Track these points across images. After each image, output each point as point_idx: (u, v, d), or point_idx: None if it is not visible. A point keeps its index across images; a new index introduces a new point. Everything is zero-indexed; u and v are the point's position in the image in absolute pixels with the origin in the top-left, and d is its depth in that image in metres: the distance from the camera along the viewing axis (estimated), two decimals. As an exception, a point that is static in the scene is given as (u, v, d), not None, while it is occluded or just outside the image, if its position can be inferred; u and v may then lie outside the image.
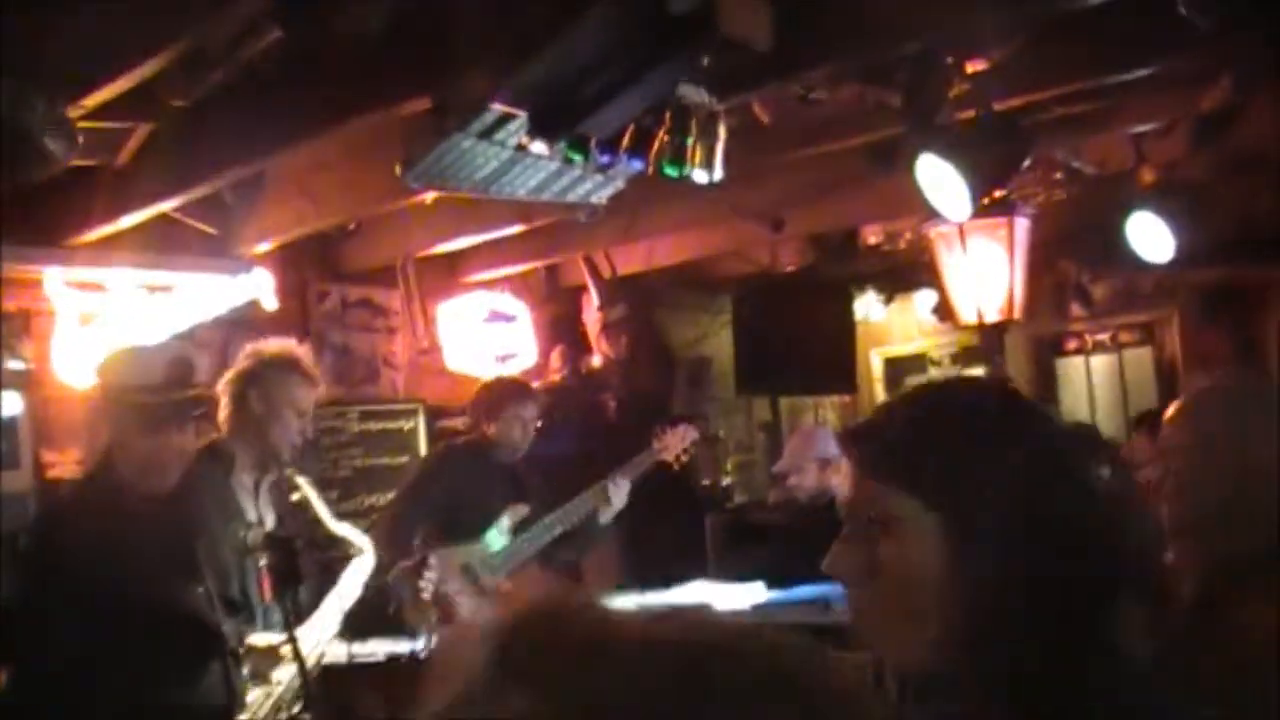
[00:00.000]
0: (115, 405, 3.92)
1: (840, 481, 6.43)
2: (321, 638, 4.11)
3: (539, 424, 6.29)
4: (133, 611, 3.65)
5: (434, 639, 4.51)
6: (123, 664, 3.61)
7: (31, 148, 4.43)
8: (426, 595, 4.69)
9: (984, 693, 1.56)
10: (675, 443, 6.47)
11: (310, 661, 3.92)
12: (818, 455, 6.45)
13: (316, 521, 4.34)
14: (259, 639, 4.02)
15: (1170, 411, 2.65)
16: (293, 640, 3.74)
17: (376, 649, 4.29)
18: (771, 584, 5.95)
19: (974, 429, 1.64)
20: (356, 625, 4.32)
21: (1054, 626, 1.53)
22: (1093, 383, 10.74)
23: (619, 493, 6.09)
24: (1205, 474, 2.49)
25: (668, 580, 6.31)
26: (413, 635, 4.44)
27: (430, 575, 4.72)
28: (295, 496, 4.37)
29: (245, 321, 6.39)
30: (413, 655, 4.46)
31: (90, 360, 6.06)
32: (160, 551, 3.84)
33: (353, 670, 4.35)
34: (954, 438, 1.63)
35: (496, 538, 5.90)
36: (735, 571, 6.59)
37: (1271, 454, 2.35)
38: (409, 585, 4.68)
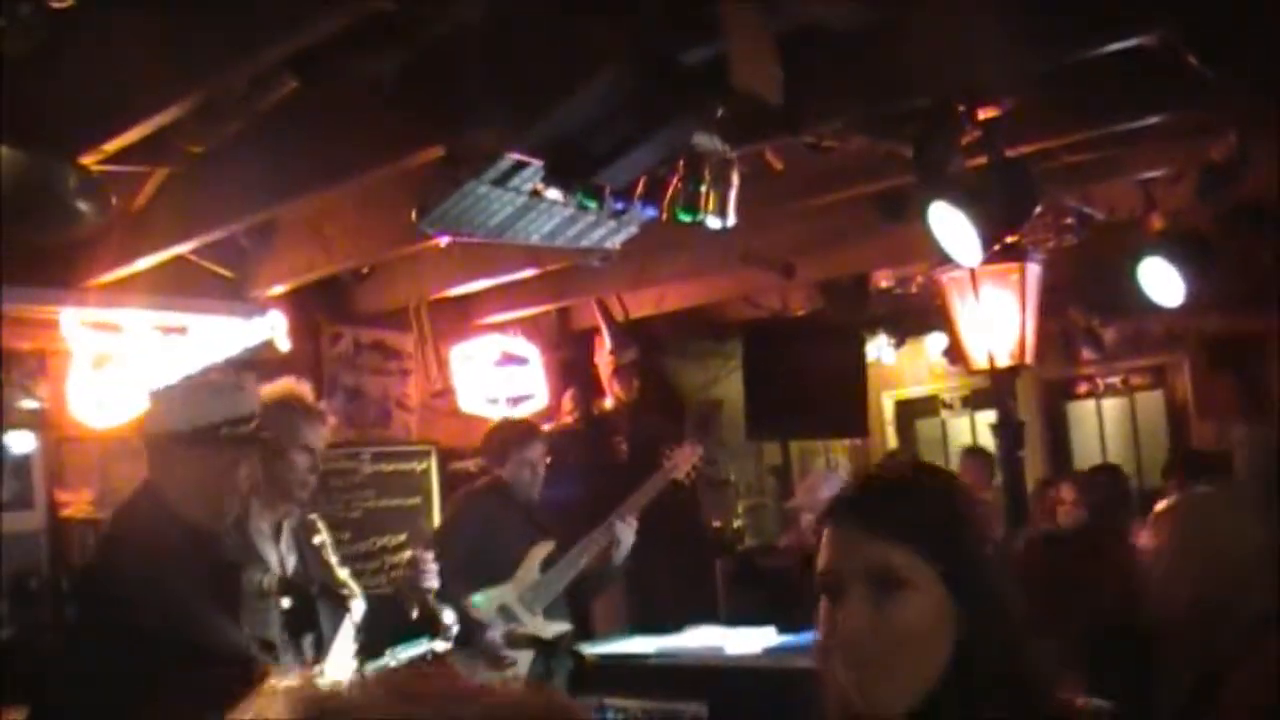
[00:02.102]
0: (173, 439, 3.88)
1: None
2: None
3: (549, 462, 6.34)
4: (191, 651, 3.64)
5: (451, 632, 4.52)
6: (176, 703, 3.60)
7: (65, 210, 4.50)
8: (432, 584, 4.71)
9: None
10: (684, 460, 6.51)
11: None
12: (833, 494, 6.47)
13: (329, 567, 4.36)
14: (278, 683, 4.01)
15: (1152, 515, 2.99)
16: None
17: (400, 656, 4.30)
18: (781, 628, 5.96)
19: (958, 492, 1.82)
20: (375, 642, 4.34)
21: (1031, 673, 1.62)
22: (1104, 426, 10.74)
23: (631, 523, 6.12)
24: (1179, 577, 2.77)
25: (677, 624, 6.33)
26: (431, 635, 4.45)
27: (425, 572, 4.74)
28: (316, 540, 4.38)
29: (259, 363, 6.41)
30: (433, 653, 4.47)
31: (118, 400, 6.13)
32: (212, 589, 3.83)
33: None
34: (946, 499, 1.79)
35: (524, 580, 5.97)
36: (745, 615, 6.60)
37: (1242, 557, 2.55)
38: (415, 587, 4.71)
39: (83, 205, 4.67)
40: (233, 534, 4.21)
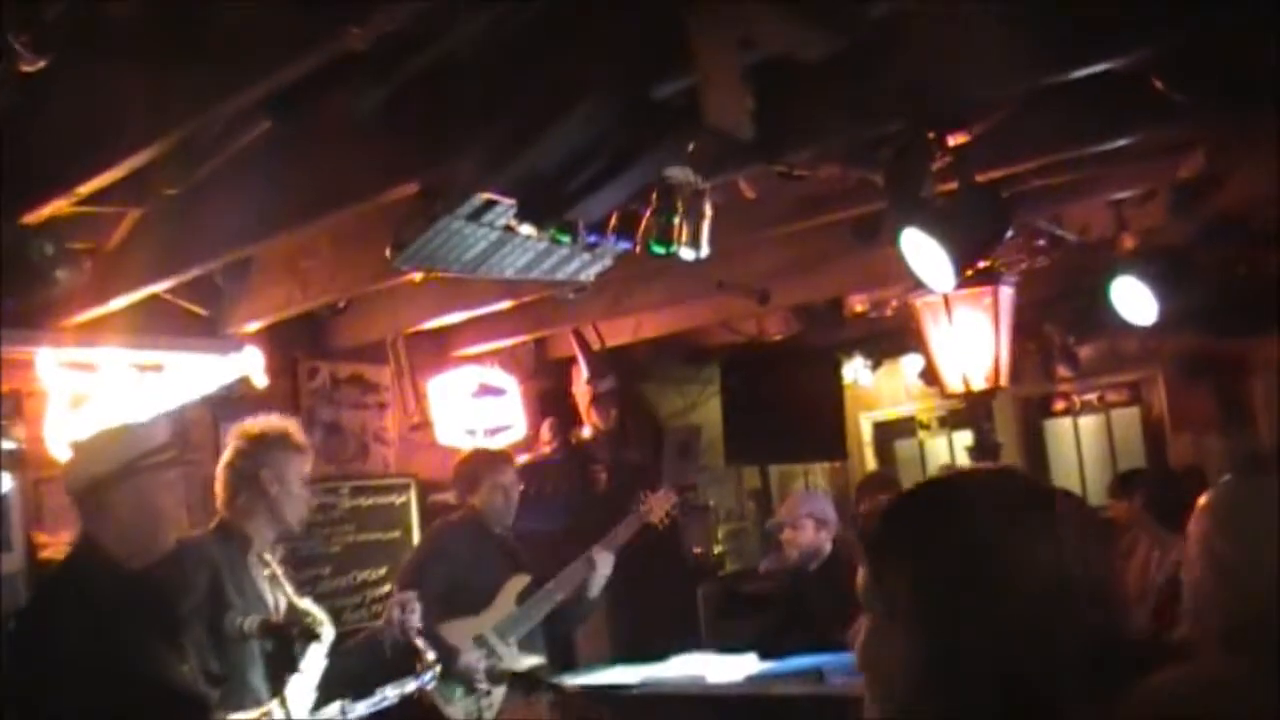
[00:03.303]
0: (98, 484, 3.93)
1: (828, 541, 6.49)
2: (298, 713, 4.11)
3: (527, 491, 6.36)
4: (125, 687, 3.66)
5: (436, 670, 4.55)
6: None
7: (39, 278, 4.56)
8: (414, 621, 4.75)
9: None
10: (659, 506, 6.54)
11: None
12: (814, 513, 6.50)
13: (288, 598, 4.39)
14: (236, 718, 4.03)
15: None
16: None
17: (389, 694, 4.32)
18: (764, 654, 5.96)
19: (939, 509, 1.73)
20: (360, 681, 4.36)
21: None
22: (1081, 443, 10.79)
23: (606, 561, 6.15)
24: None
25: (661, 652, 6.33)
26: (414, 673, 4.48)
27: (413, 613, 4.78)
28: (266, 573, 4.41)
29: (236, 399, 6.41)
30: (420, 689, 4.51)
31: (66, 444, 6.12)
32: (146, 624, 3.87)
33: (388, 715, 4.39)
34: (921, 519, 1.73)
35: (499, 612, 5.98)
36: (728, 641, 6.61)
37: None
38: (405, 629, 4.74)
39: (60, 273, 4.75)
40: (231, 571, 4.25)
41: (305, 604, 4.43)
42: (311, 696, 4.22)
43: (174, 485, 4.04)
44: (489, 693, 5.78)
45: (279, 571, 4.43)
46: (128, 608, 3.82)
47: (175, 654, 3.91)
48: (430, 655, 4.56)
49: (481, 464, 6.34)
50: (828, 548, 6.49)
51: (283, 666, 3.84)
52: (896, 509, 1.78)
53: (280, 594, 4.40)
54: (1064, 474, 10.57)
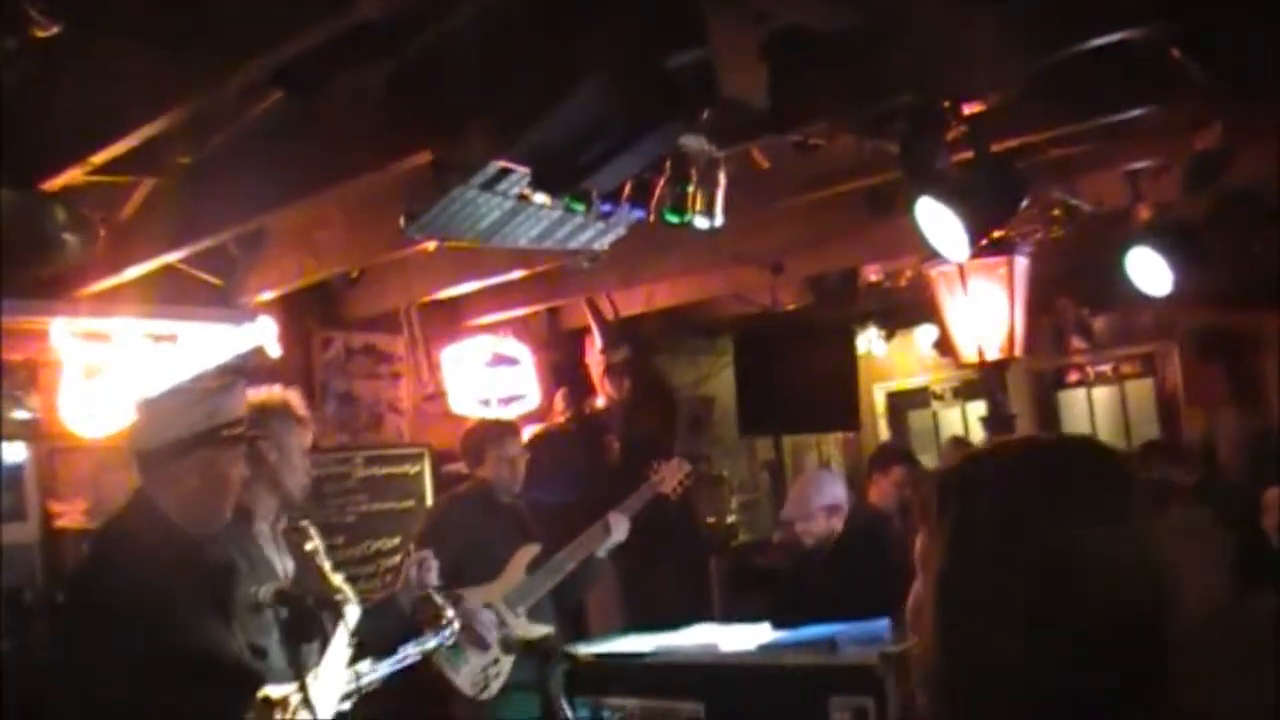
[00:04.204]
0: (166, 449, 3.87)
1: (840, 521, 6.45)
2: (331, 693, 4.11)
3: (539, 461, 6.36)
4: (182, 655, 3.65)
5: (455, 626, 4.56)
6: (167, 708, 3.60)
7: (51, 246, 4.54)
8: (432, 579, 4.76)
9: None
10: (671, 475, 6.52)
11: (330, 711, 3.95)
12: (825, 503, 6.41)
13: (323, 573, 4.38)
14: (271, 690, 4.03)
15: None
16: (304, 690, 3.76)
17: (410, 651, 4.33)
18: (777, 625, 5.96)
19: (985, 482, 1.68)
20: (378, 642, 4.38)
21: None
22: (1094, 414, 10.76)
23: (620, 526, 6.15)
24: None
25: (673, 623, 6.34)
26: (436, 631, 4.49)
27: (430, 570, 4.78)
28: (309, 546, 4.40)
29: (250, 369, 6.41)
30: (441, 645, 4.52)
31: (109, 409, 6.12)
32: (206, 594, 3.84)
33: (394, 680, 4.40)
34: (966, 488, 1.67)
35: (509, 582, 6.00)
36: (741, 612, 6.61)
37: None
38: (423, 586, 4.74)
39: (70, 239, 4.73)
40: (238, 541, 4.24)
41: (338, 580, 4.42)
42: (344, 674, 4.21)
43: (242, 459, 4.01)
44: (497, 661, 5.80)
45: (320, 545, 4.42)
46: (187, 574, 3.79)
47: (228, 626, 3.89)
48: (449, 612, 4.57)
49: (487, 436, 6.33)
50: (840, 526, 6.45)
51: (299, 635, 3.82)
52: (948, 474, 1.75)
53: (291, 562, 4.40)
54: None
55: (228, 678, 3.83)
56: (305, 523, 4.45)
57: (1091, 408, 10.85)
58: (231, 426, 3.94)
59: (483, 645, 5.77)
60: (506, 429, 6.47)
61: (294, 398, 4.60)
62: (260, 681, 3.88)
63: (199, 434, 3.85)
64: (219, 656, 3.80)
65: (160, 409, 4.04)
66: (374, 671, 4.17)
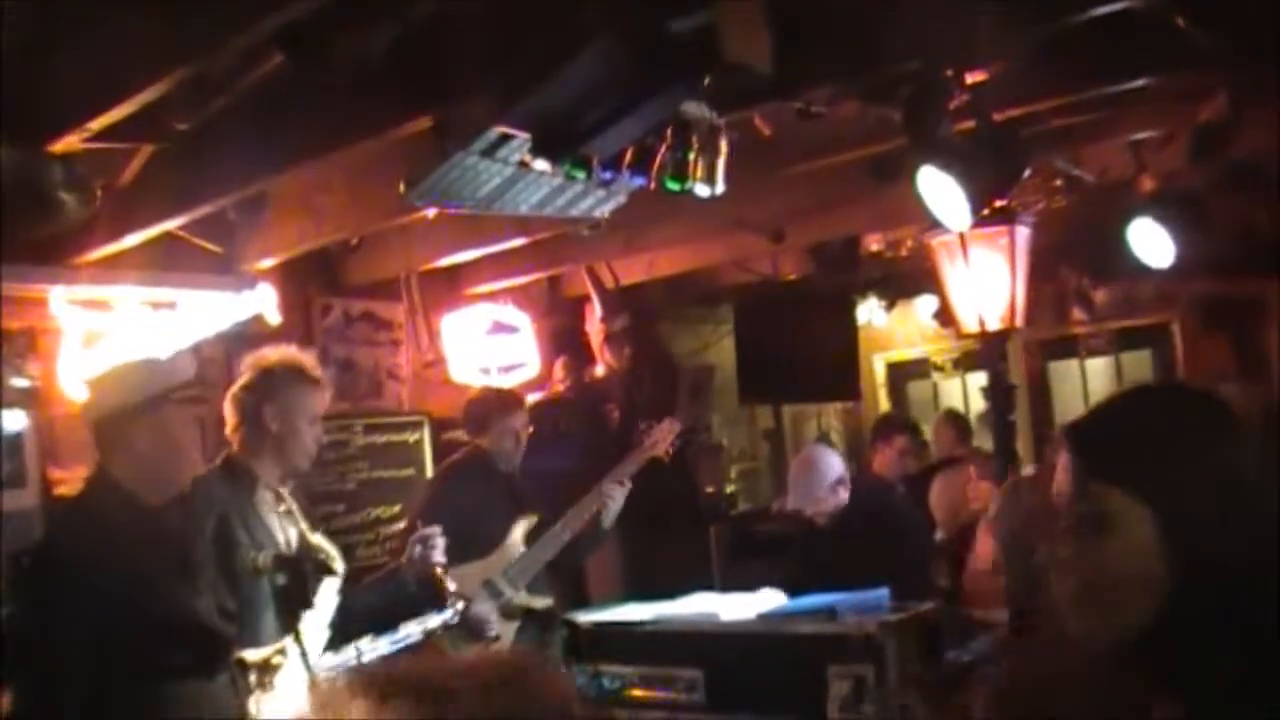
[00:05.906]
0: (119, 417, 3.91)
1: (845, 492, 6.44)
2: (312, 649, 4.10)
3: (540, 430, 6.33)
4: (142, 621, 3.67)
5: (459, 603, 4.55)
6: (132, 674, 3.62)
7: (48, 205, 4.51)
8: (438, 556, 4.73)
9: (1162, 675, 1.70)
10: (663, 437, 6.49)
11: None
12: (830, 482, 6.41)
13: (301, 533, 4.38)
14: (250, 654, 4.04)
15: None
16: (304, 656, 3.77)
17: (413, 630, 4.32)
18: (791, 593, 5.96)
19: (1188, 435, 1.77)
20: (381, 618, 4.36)
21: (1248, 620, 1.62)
22: (1088, 387, 10.76)
23: (614, 493, 6.13)
24: None
25: (673, 591, 6.33)
26: (439, 608, 4.47)
27: (435, 548, 4.75)
28: (282, 508, 4.40)
29: (249, 336, 6.40)
30: (445, 625, 4.50)
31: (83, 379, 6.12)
32: (165, 560, 3.87)
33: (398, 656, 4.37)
34: (1172, 442, 1.75)
35: (508, 555, 5.99)
36: (741, 581, 6.60)
37: None
38: (426, 562, 4.72)
39: (67, 197, 4.70)
40: (237, 508, 4.24)
41: (318, 539, 4.43)
42: (325, 634, 4.22)
43: (193, 422, 4.03)
44: (497, 638, 5.79)
45: (294, 507, 4.42)
46: (144, 542, 3.82)
47: (191, 589, 3.91)
48: (454, 589, 4.56)
49: (492, 406, 6.28)
50: (845, 496, 6.45)
51: (296, 601, 3.83)
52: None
53: (293, 529, 4.40)
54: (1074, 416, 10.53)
55: (191, 640, 3.84)
56: (279, 489, 4.45)
57: (1085, 380, 10.83)
58: (177, 389, 3.98)
59: (481, 635, 5.74)
60: (512, 400, 6.39)
61: (309, 360, 4.55)
62: (228, 643, 3.91)
63: (148, 398, 3.89)
64: (181, 620, 3.82)
65: (109, 379, 4.10)
66: (374, 650, 4.17)
